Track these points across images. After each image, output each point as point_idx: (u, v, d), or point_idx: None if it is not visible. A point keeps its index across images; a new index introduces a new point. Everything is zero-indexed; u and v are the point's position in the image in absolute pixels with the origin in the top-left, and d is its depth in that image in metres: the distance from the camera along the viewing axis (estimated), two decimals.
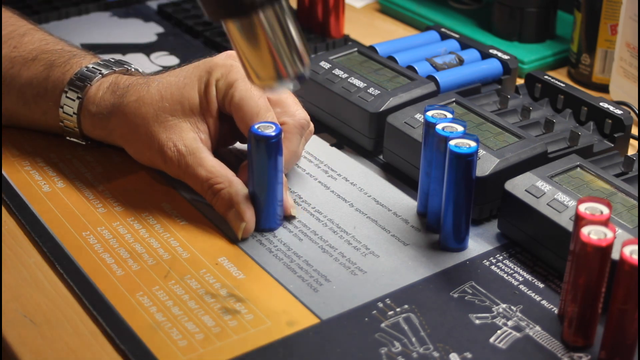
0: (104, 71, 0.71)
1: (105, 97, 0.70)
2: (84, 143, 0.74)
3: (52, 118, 0.73)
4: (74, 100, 0.70)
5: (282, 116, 0.68)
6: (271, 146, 0.62)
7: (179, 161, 0.66)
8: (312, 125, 0.71)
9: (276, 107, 0.69)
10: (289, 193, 0.68)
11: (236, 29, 0.53)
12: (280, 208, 0.66)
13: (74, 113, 0.71)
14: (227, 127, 0.70)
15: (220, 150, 0.72)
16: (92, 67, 0.71)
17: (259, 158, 0.63)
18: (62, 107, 0.71)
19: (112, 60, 0.74)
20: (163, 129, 0.67)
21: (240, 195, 0.64)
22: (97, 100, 0.70)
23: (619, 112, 0.73)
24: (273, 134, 0.62)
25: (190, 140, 0.67)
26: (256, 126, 0.63)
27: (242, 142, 0.74)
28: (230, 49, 0.74)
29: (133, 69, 0.74)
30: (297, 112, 0.69)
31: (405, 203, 0.70)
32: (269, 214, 0.65)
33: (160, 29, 0.99)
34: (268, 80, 0.55)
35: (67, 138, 0.74)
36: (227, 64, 0.68)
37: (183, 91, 0.68)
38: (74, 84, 0.71)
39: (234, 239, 0.65)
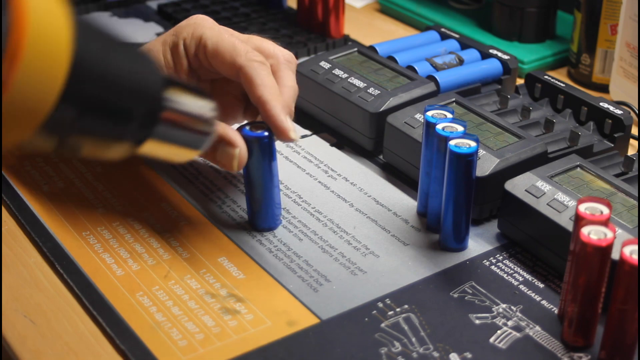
0: None
1: None
2: None
3: None
4: None
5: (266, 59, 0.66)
6: (264, 146, 0.62)
7: None
8: (294, 58, 0.69)
9: None
10: (288, 119, 0.63)
11: (146, 150, 0.55)
12: (278, 209, 0.66)
13: None
14: (230, 101, 0.69)
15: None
16: None
17: (253, 159, 0.63)
18: None
19: None
20: None
21: (225, 127, 0.62)
22: None
23: (619, 112, 0.73)
24: (265, 133, 0.62)
25: None
26: (247, 127, 0.62)
27: (247, 117, 0.71)
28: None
29: None
30: (278, 51, 0.67)
31: (405, 203, 0.70)
32: (267, 214, 0.65)
33: (160, 29, 0.99)
34: (190, 156, 0.59)
35: None
36: (191, 23, 0.66)
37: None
38: None
39: (234, 239, 0.65)
